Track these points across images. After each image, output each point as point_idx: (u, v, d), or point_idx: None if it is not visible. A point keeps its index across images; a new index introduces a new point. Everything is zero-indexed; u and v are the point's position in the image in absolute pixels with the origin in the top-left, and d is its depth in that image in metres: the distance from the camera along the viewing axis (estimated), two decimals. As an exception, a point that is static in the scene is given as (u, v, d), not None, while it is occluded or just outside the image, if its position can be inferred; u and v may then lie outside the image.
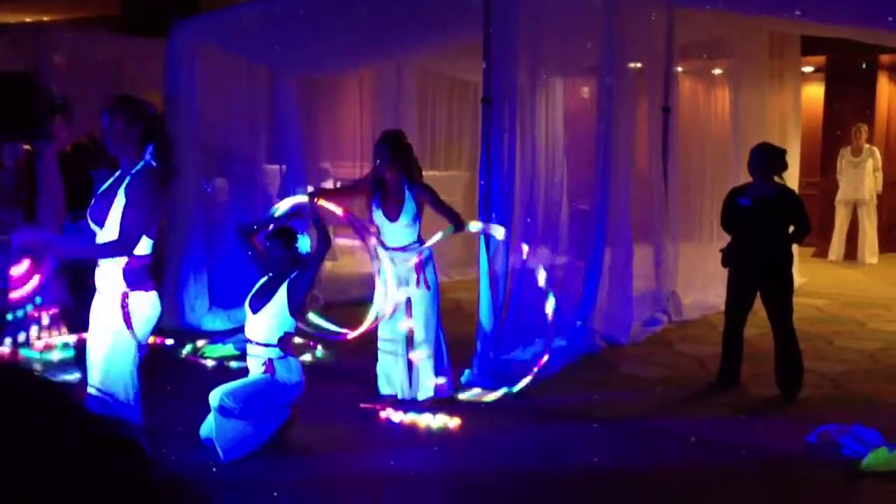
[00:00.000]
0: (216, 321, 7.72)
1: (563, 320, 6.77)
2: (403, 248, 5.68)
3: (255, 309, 4.99)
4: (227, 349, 6.83)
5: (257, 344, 4.98)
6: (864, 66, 11.75)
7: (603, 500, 4.59)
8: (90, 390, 4.00)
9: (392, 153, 5.62)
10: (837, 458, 4.97)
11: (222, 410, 4.73)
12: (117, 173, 4.14)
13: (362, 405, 5.75)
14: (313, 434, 5.21)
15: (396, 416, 5.55)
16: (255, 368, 5.00)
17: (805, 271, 9.74)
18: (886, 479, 4.74)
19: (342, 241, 9.28)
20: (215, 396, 4.76)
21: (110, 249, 3.99)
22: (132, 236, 3.99)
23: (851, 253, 11.47)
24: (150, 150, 4.05)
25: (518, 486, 4.70)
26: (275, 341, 4.93)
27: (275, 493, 4.46)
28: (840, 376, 6.65)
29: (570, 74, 9.40)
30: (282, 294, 4.96)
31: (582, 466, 4.93)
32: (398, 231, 5.66)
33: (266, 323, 4.96)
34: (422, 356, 5.73)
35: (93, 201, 4.14)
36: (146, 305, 4.06)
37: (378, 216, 5.70)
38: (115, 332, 4.01)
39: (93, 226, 4.10)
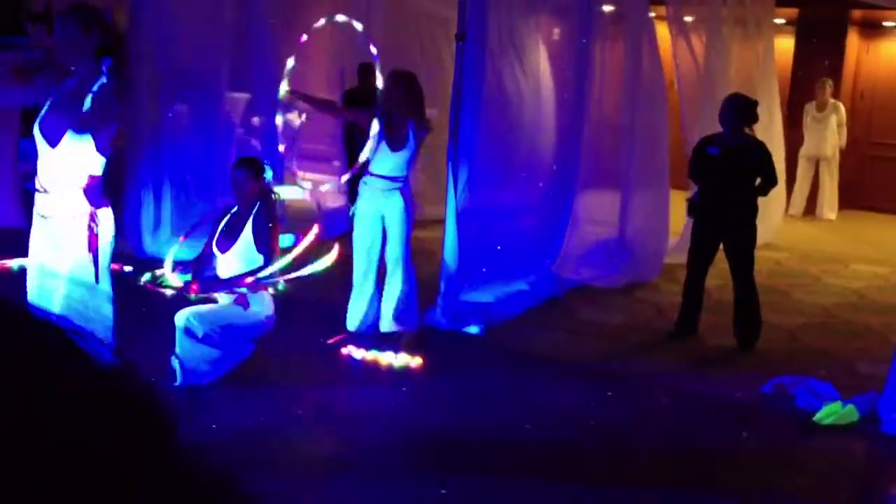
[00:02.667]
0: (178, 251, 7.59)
1: (528, 263, 6.78)
2: (393, 178, 5.71)
3: (223, 248, 4.90)
4: (187, 278, 6.73)
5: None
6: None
7: (556, 445, 4.63)
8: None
9: (408, 93, 5.70)
10: (791, 410, 5.07)
11: (188, 332, 4.67)
12: (67, 85, 3.96)
13: (328, 341, 5.73)
14: (273, 368, 5.18)
15: (358, 353, 5.54)
16: (225, 299, 4.93)
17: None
18: (838, 432, 4.86)
19: (310, 175, 9.15)
20: (181, 316, 4.70)
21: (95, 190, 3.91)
22: (105, 154, 3.91)
23: (811, 208, 11.61)
24: (106, 63, 3.89)
25: (474, 429, 4.72)
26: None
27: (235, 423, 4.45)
28: (796, 329, 6.77)
29: (539, 13, 9.27)
30: (247, 232, 4.87)
31: (538, 409, 4.98)
32: (393, 161, 5.71)
33: (235, 263, 4.88)
34: (394, 287, 5.76)
35: (43, 115, 3.97)
36: (109, 223, 3.97)
37: (381, 144, 5.73)
38: (85, 257, 3.91)
39: (42, 141, 3.93)
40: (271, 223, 4.88)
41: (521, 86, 7.55)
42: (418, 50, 10.13)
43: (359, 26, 6.27)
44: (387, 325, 5.82)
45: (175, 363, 4.67)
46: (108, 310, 4.02)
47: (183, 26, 7.98)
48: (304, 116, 9.65)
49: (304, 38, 6.22)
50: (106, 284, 4.03)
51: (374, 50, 6.16)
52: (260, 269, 4.83)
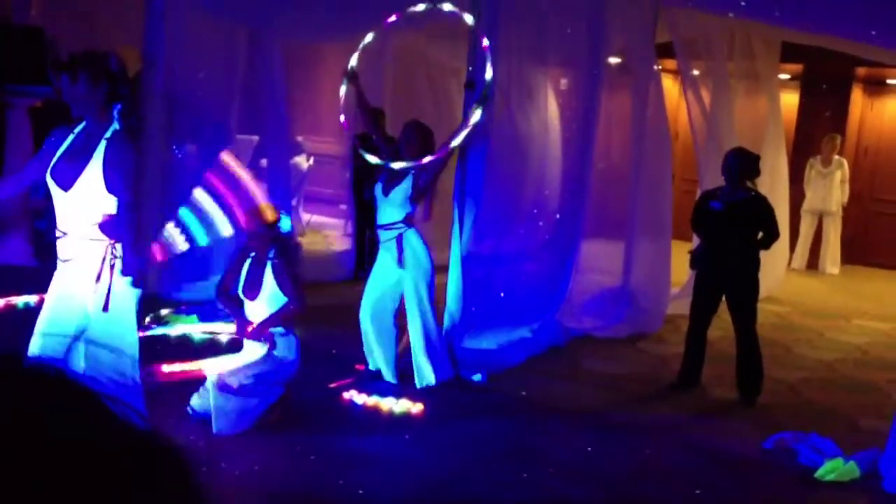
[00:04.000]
0: (185, 290, 7.63)
1: (530, 312, 6.79)
2: (389, 226, 5.76)
3: (251, 296, 4.94)
4: (191, 320, 6.76)
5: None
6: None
7: (555, 496, 4.60)
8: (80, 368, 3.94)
9: (420, 141, 5.81)
10: (792, 466, 5.05)
11: (222, 387, 4.69)
12: (77, 130, 4.03)
13: (331, 385, 5.73)
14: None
15: (360, 398, 5.53)
16: (254, 347, 4.96)
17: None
18: (839, 489, 4.83)
19: (310, 218, 9.21)
20: (212, 373, 4.74)
21: (128, 217, 3.95)
22: (132, 197, 3.96)
23: (814, 262, 11.62)
24: (117, 109, 3.96)
25: (474, 478, 4.70)
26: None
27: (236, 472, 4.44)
28: (798, 384, 6.76)
29: (546, 65, 9.39)
30: (269, 277, 4.93)
31: (538, 458, 4.95)
32: (388, 208, 5.76)
33: (264, 308, 4.93)
34: (414, 338, 5.80)
35: (55, 163, 4.03)
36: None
37: (377, 189, 5.82)
38: (115, 295, 3.94)
39: (55, 187, 3.99)
40: (290, 267, 4.93)
41: (528, 134, 7.63)
42: (430, 98, 10.25)
43: (469, 20, 6.18)
44: (428, 378, 5.84)
45: (212, 417, 4.70)
46: (134, 371, 4.05)
47: (195, 68, 8.10)
48: (311, 160, 9.74)
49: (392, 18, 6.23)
50: (133, 345, 4.07)
51: (486, 42, 6.05)
52: (289, 309, 4.90)
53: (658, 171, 8.08)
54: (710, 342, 6.45)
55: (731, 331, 6.29)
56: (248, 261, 5.03)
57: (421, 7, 6.17)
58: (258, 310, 4.97)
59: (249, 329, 4.94)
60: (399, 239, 5.76)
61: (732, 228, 6.11)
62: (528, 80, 7.98)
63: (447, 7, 6.11)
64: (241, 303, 5.04)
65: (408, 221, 5.81)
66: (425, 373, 5.85)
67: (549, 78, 9.09)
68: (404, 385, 5.83)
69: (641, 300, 7.91)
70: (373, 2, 8.20)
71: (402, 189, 5.73)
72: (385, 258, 5.85)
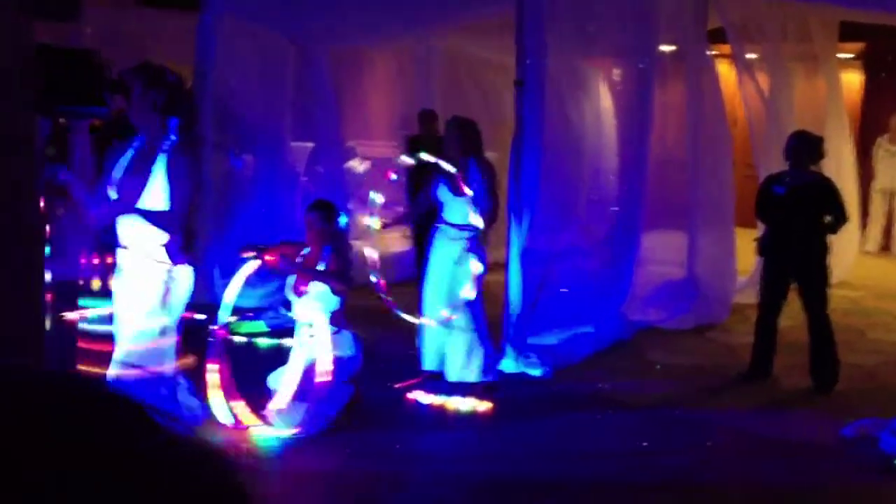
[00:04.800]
0: (246, 297, 7.72)
1: (593, 306, 6.71)
2: (461, 227, 5.73)
3: (300, 293, 4.95)
4: (258, 325, 6.83)
5: (308, 325, 4.93)
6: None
7: (623, 491, 4.52)
8: (121, 369, 4.00)
9: (460, 137, 5.76)
10: (873, 453, 4.89)
11: (287, 391, 4.73)
12: (136, 145, 4.08)
13: (396, 385, 5.72)
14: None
15: (426, 398, 5.52)
16: (308, 350, 4.96)
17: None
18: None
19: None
20: (275, 379, 4.77)
21: (165, 221, 3.97)
22: (183, 212, 4.00)
23: (887, 244, 11.29)
24: (174, 123, 4.00)
25: (541, 473, 4.64)
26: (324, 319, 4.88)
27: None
28: (874, 369, 6.56)
29: (597, 57, 9.30)
30: (321, 273, 4.91)
31: (605, 454, 4.88)
32: (460, 208, 5.72)
33: (312, 304, 4.92)
34: (465, 338, 5.74)
35: (119, 177, 4.08)
36: (187, 281, 4.06)
37: (442, 191, 5.78)
38: (156, 308, 4.00)
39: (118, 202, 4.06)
40: (343, 266, 4.92)
41: (582, 127, 7.57)
42: (479, 96, 10.23)
43: None
44: (454, 374, 5.77)
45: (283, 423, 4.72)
46: (176, 390, 4.11)
47: (247, 79, 8.20)
48: (366, 163, 9.79)
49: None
50: (171, 363, 4.12)
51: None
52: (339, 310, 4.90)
53: (717, 159, 7.92)
54: (781, 331, 6.28)
55: (802, 318, 6.12)
56: (301, 257, 5.03)
57: None
58: (307, 308, 4.95)
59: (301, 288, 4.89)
60: (471, 240, 5.73)
61: (798, 213, 5.95)
62: (579, 73, 7.92)
63: None
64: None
65: (474, 224, 5.77)
66: (460, 369, 5.77)
67: (601, 70, 9.02)
68: (465, 384, 5.78)
69: (707, 290, 7.76)
70: (417, 4, 8.23)
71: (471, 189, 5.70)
72: (445, 255, 5.81)
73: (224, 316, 4.85)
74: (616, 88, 8.56)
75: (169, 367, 4.09)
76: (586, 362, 6.39)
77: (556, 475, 4.58)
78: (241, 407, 4.77)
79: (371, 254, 6.02)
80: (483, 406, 5.44)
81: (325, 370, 4.71)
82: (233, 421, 4.67)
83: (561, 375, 6.07)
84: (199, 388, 4.48)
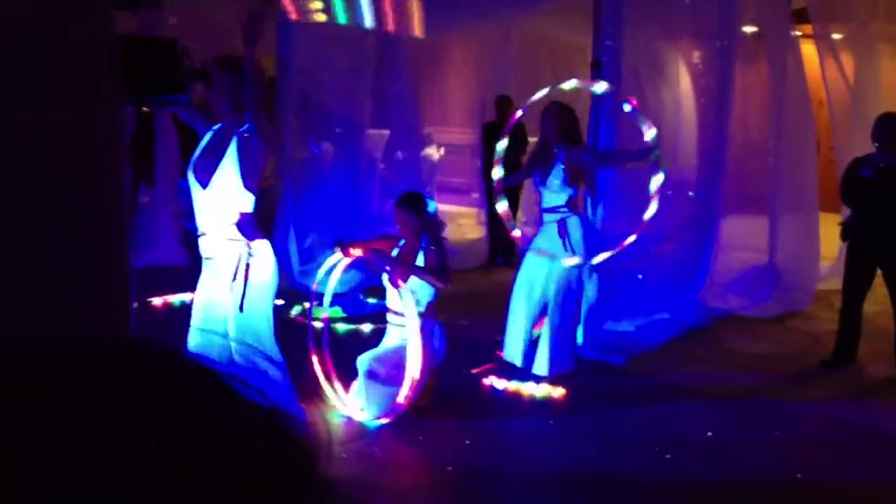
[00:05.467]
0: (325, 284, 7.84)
1: (670, 292, 6.63)
2: (552, 209, 5.74)
3: (397, 284, 5.00)
4: (336, 311, 6.93)
5: (400, 314, 4.97)
6: None
7: (701, 481, 4.46)
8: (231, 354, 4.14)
9: (560, 122, 5.72)
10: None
11: (371, 374, 4.82)
12: (215, 129, 4.21)
13: (473, 370, 5.76)
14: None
15: (501, 384, 5.54)
16: (397, 337, 5.03)
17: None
18: None
19: (446, 208, 9.28)
20: (363, 361, 4.86)
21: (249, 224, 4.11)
22: (253, 192, 4.12)
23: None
24: (251, 109, 4.12)
25: (617, 463, 4.62)
26: (420, 311, 4.92)
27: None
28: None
29: (676, 37, 9.11)
30: (420, 263, 4.95)
31: (682, 443, 4.83)
32: (549, 193, 5.75)
33: (410, 296, 4.94)
34: (548, 329, 5.72)
35: (195, 160, 4.23)
36: (266, 254, 4.16)
37: (537, 178, 5.82)
38: (240, 285, 4.12)
39: (195, 184, 4.18)
40: (442, 260, 4.95)
41: (660, 110, 7.44)
42: (556, 81, 10.13)
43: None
44: (542, 368, 5.77)
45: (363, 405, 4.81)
46: (273, 366, 4.21)
47: (327, 68, 8.30)
48: (442, 150, 9.82)
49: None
50: (270, 340, 4.22)
51: (628, 107, 6.11)
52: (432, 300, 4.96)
53: (800, 142, 7.72)
54: (866, 317, 6.12)
55: (888, 304, 5.94)
56: (397, 250, 5.08)
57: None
58: (401, 299, 5.00)
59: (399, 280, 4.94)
60: (561, 224, 5.72)
61: (884, 196, 5.77)
62: (658, 56, 7.77)
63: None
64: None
65: (571, 206, 5.76)
66: (542, 363, 5.76)
67: (680, 51, 8.84)
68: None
69: (789, 277, 7.58)
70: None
71: (556, 174, 5.70)
72: (542, 242, 5.81)
73: (321, 307, 5.02)
74: (695, 70, 8.38)
75: (265, 345, 4.19)
76: (663, 349, 6.32)
77: (631, 467, 4.55)
78: (331, 390, 4.91)
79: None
80: (558, 393, 5.43)
81: (414, 359, 4.78)
82: (324, 403, 4.80)
83: (637, 363, 6.02)
84: (291, 371, 4.57)
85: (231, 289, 4.15)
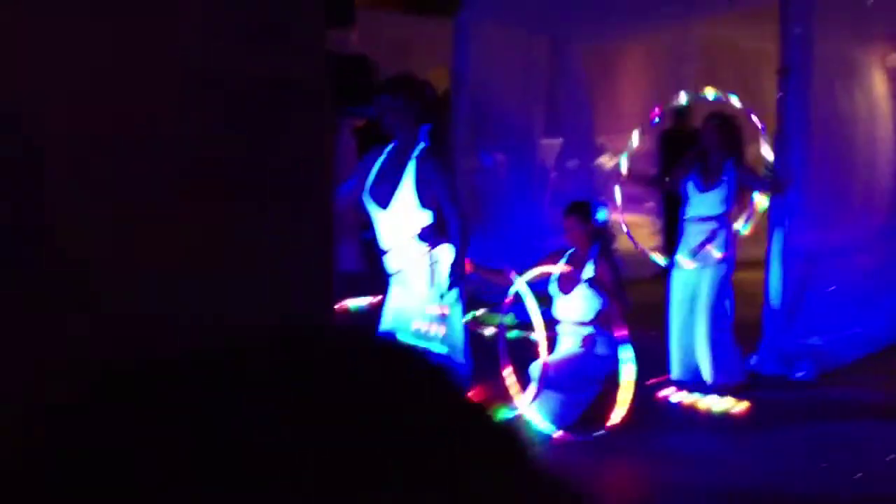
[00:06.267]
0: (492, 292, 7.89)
1: (866, 306, 6.24)
2: (705, 218, 5.62)
3: (567, 290, 4.97)
4: (508, 318, 6.95)
5: (572, 324, 4.94)
6: None
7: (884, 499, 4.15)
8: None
9: (722, 134, 5.62)
10: None
11: (544, 381, 4.82)
12: (388, 150, 4.28)
13: (647, 382, 5.63)
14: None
15: (677, 397, 5.38)
16: (569, 346, 4.99)
17: None
18: None
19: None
20: (536, 367, 4.88)
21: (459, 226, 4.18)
22: (459, 204, 4.16)
23: None
24: (425, 130, 4.17)
25: (802, 483, 4.35)
26: (589, 319, 4.89)
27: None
28: None
29: (872, 39, 8.60)
30: (588, 274, 4.91)
31: (873, 463, 4.51)
32: (706, 200, 5.63)
33: (578, 303, 4.94)
34: (704, 338, 5.55)
35: (372, 181, 4.29)
36: (448, 257, 4.20)
37: (691, 186, 5.69)
38: (429, 293, 4.18)
39: (374, 206, 4.26)
40: (610, 264, 4.90)
41: (853, 116, 7.05)
42: (739, 86, 9.80)
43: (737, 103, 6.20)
44: (708, 375, 5.58)
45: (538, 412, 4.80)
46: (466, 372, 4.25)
47: (501, 80, 8.38)
48: (615, 158, 9.68)
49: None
50: (461, 346, 4.25)
51: (757, 122, 6.02)
52: (602, 310, 4.88)
53: None
54: None
55: None
56: (564, 258, 5.05)
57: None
58: (571, 304, 4.96)
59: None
60: (712, 234, 5.55)
61: None
62: (851, 58, 7.36)
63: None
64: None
65: (728, 218, 5.63)
66: (706, 370, 5.55)
67: (875, 54, 8.33)
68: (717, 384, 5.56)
69: None
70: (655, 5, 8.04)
71: (722, 188, 5.57)
72: (685, 253, 5.65)
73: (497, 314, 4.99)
74: (892, 74, 7.88)
75: (458, 354, 4.23)
76: (856, 366, 5.94)
77: (811, 493, 4.28)
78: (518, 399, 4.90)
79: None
80: (738, 408, 5.22)
81: (578, 367, 4.73)
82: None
83: (826, 379, 5.69)
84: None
85: (425, 297, 4.20)
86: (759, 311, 6.05)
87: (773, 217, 5.94)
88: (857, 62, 7.85)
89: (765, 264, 6.08)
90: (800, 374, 5.70)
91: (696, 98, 6.79)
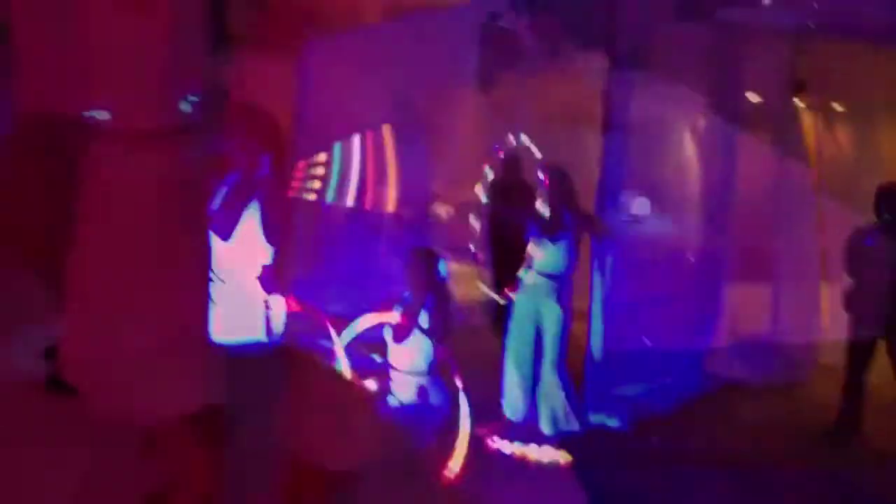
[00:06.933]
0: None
1: (675, 358, 6.64)
2: (550, 276, 5.80)
3: (399, 339, 4.95)
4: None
5: (405, 373, 4.92)
6: None
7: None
8: None
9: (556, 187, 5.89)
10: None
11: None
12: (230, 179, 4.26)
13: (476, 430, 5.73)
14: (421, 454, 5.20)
15: (505, 446, 5.52)
16: (404, 395, 4.94)
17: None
18: None
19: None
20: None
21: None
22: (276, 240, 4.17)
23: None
24: (266, 158, 4.24)
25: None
26: (423, 369, 4.87)
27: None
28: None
29: (686, 104, 9.14)
30: (424, 321, 4.87)
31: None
32: (552, 255, 5.81)
33: (412, 353, 4.91)
34: (552, 384, 5.76)
35: (213, 211, 4.23)
36: (281, 308, 4.15)
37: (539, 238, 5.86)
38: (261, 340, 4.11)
39: (213, 236, 4.17)
40: (444, 316, 4.95)
41: (665, 173, 7.42)
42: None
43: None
44: (548, 427, 5.78)
45: None
46: None
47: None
48: (450, 209, 9.84)
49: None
50: None
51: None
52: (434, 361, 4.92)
53: (801, 208, 7.73)
54: (871, 389, 6.11)
55: (891, 376, 5.95)
56: (402, 306, 5.05)
57: None
58: (404, 353, 4.96)
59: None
60: (559, 292, 5.81)
61: (890, 266, 5.82)
62: (664, 118, 7.78)
63: None
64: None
65: (571, 269, 5.87)
66: (550, 421, 5.79)
67: (686, 116, 8.89)
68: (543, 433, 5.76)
69: (794, 344, 7.57)
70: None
71: (563, 240, 5.78)
72: (529, 303, 5.84)
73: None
74: (700, 135, 8.39)
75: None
76: (667, 416, 6.30)
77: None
78: None
79: None
80: (563, 457, 5.42)
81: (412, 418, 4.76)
82: None
83: (641, 428, 6.00)
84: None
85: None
86: (583, 360, 6.31)
87: (595, 268, 6.22)
88: (668, 121, 8.34)
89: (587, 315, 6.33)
90: (616, 424, 5.97)
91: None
